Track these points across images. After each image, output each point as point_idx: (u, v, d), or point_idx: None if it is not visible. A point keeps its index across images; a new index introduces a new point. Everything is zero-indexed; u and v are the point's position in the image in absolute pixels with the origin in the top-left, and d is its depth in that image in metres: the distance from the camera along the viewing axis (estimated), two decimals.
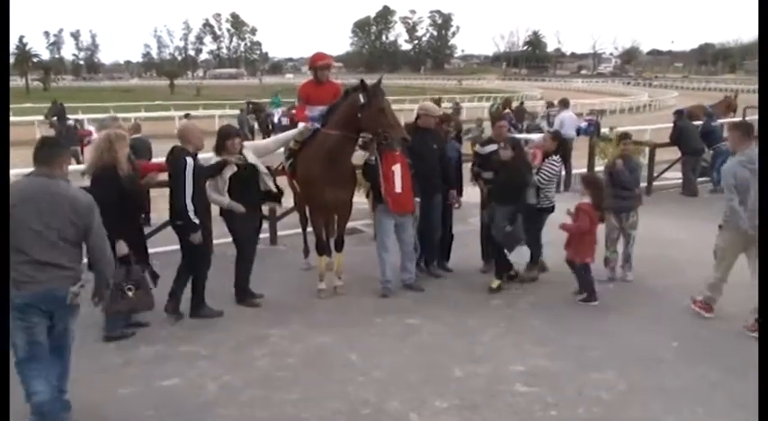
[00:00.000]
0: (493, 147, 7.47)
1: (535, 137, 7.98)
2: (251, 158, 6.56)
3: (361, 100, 6.39)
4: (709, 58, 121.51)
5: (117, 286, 5.42)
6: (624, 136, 7.88)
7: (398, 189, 6.73)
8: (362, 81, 6.58)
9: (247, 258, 6.72)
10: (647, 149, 13.02)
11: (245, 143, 6.75)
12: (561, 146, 7.48)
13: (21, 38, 77.95)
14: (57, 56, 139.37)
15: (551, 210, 7.33)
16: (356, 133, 6.62)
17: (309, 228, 7.47)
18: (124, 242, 5.53)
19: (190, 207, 5.89)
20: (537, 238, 7.34)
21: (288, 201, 7.63)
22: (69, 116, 19.04)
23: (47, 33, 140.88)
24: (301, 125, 7.06)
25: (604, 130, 14.59)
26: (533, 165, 7.15)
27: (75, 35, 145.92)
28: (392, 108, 6.63)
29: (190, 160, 5.95)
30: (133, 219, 5.85)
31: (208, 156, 6.64)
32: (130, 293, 5.55)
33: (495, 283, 7.14)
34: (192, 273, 6.27)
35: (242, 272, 6.71)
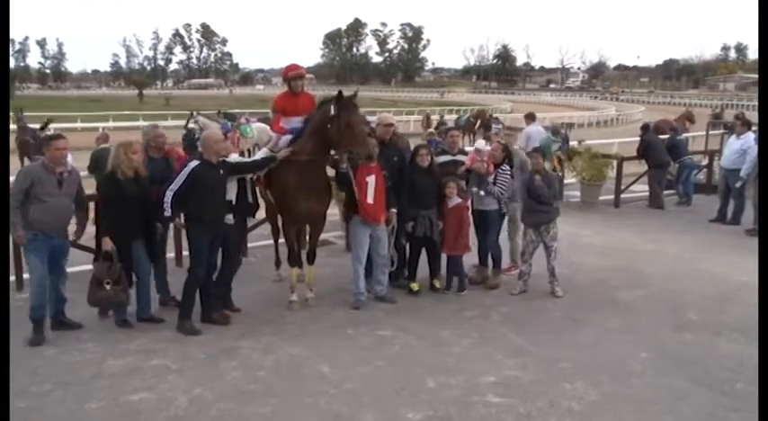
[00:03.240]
0: (445, 157, 7.68)
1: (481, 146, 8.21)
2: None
3: (332, 111, 6.36)
4: (674, 74, 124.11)
5: (96, 278, 6.03)
6: (535, 149, 7.99)
7: (370, 199, 6.73)
8: (340, 92, 6.51)
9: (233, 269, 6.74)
10: (614, 162, 13.26)
11: (232, 155, 6.69)
12: (509, 156, 7.72)
13: None
14: (22, 64, 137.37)
15: (505, 215, 7.76)
16: (327, 145, 6.55)
17: (281, 240, 7.43)
18: (110, 239, 6.02)
19: (168, 196, 6.01)
20: (497, 242, 7.66)
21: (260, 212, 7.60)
22: (31, 125, 18.74)
23: (12, 41, 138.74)
24: (278, 135, 7.01)
25: (573, 143, 14.81)
26: (488, 172, 7.40)
27: (42, 43, 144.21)
28: (363, 123, 6.61)
29: (194, 163, 6.10)
30: (129, 219, 6.07)
31: None
32: (108, 287, 6.01)
33: (416, 286, 7.37)
34: (187, 279, 6.28)
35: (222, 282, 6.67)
